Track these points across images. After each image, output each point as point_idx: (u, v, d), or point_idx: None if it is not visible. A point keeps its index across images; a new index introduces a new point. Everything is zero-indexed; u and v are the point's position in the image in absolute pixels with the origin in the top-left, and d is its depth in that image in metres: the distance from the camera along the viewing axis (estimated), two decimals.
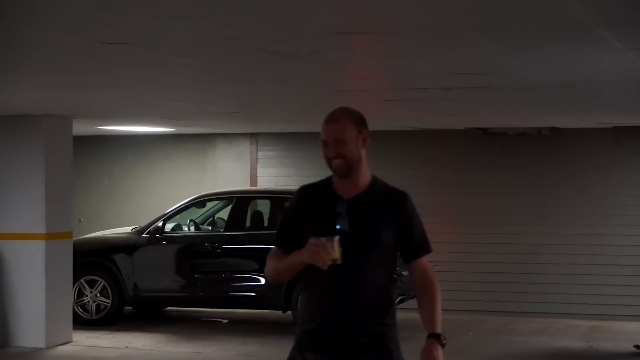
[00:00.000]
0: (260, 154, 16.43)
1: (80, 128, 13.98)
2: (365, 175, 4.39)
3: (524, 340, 12.57)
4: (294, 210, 4.46)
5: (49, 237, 11.77)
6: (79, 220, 16.32)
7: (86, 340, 12.27)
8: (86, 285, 13.33)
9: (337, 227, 4.28)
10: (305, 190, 4.50)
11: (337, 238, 4.17)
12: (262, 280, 12.61)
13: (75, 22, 5.54)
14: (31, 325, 11.77)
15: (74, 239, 12.65)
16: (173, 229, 13.55)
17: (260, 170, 16.42)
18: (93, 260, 13.45)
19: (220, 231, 13.54)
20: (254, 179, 16.41)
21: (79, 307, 13.25)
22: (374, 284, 4.31)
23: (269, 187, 15.23)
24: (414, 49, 6.58)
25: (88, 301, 13.33)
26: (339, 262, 4.17)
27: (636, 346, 11.41)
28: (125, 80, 8.36)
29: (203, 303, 13.46)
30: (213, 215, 14.15)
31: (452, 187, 15.12)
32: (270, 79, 8.33)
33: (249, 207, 13.79)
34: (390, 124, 13.99)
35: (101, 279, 13.33)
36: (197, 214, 14.08)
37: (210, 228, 13.94)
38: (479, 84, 8.56)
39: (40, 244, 11.73)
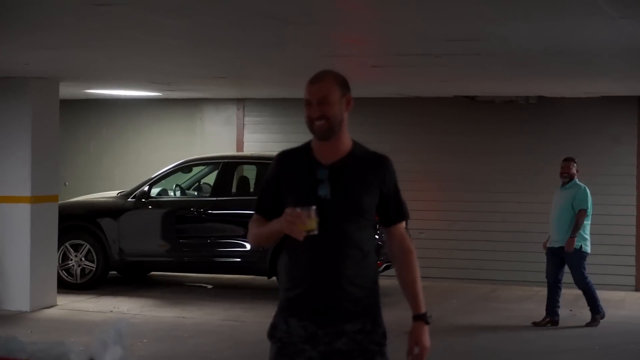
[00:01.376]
0: (247, 119, 16.38)
1: (68, 91, 13.88)
2: (345, 140, 4.30)
3: (509, 307, 12.62)
4: (273, 177, 4.36)
5: (34, 200, 11.71)
6: (65, 184, 16.26)
7: (71, 304, 12.25)
8: (71, 249, 13.29)
9: (319, 194, 4.20)
10: (284, 156, 4.40)
11: (313, 208, 4.07)
12: (248, 246, 12.59)
13: None
14: (16, 288, 11.73)
15: (60, 202, 12.59)
16: (159, 194, 13.50)
17: (247, 136, 16.36)
18: (78, 224, 13.40)
19: (206, 196, 13.50)
20: (240, 145, 16.36)
21: (63, 271, 13.20)
22: (357, 250, 4.26)
23: (255, 152, 15.18)
24: (405, 13, 6.52)
25: (73, 265, 13.29)
26: (315, 232, 4.08)
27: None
28: (114, 42, 8.28)
29: (188, 268, 13.45)
30: (199, 181, 14.11)
31: (439, 154, 15.10)
32: (259, 42, 8.26)
33: (235, 173, 13.74)
34: (379, 90, 13.94)
35: (86, 243, 13.29)
36: (183, 179, 14.02)
37: (196, 193, 13.90)
38: (470, 51, 8.51)
39: (26, 207, 11.67)
